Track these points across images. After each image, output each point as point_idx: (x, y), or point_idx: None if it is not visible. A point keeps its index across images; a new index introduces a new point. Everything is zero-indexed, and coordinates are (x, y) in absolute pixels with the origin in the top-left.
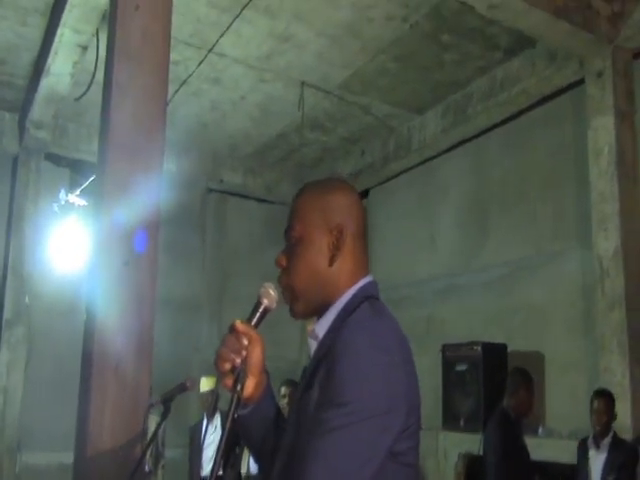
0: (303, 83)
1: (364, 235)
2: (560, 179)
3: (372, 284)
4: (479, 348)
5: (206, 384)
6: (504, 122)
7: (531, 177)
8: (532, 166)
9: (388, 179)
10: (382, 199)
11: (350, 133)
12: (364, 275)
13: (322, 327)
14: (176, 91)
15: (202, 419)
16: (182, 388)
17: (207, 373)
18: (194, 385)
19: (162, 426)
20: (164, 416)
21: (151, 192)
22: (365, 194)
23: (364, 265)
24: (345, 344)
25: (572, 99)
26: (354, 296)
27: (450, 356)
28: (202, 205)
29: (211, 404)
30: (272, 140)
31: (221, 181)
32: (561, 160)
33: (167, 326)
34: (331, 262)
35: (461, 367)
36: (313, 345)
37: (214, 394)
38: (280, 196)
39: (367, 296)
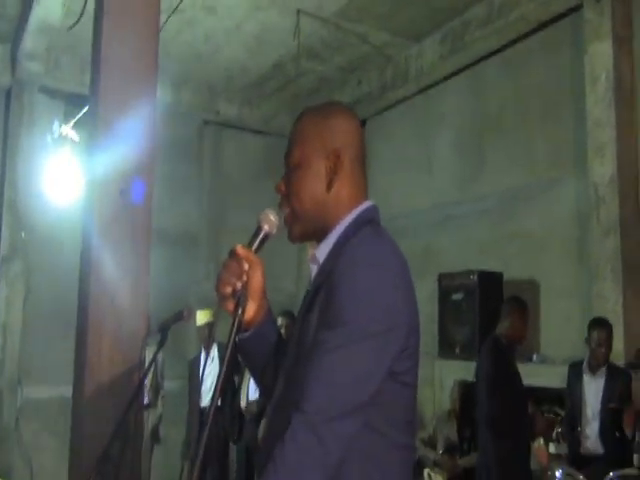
0: (299, 11)
1: (364, 160)
2: (557, 106)
3: (373, 208)
4: (475, 277)
5: (202, 317)
6: (502, 49)
7: (528, 104)
8: (529, 93)
9: (385, 109)
10: (379, 129)
11: (347, 62)
12: (363, 200)
13: (323, 252)
14: (168, 17)
15: (200, 353)
16: (179, 317)
17: (205, 307)
18: (191, 315)
19: (160, 355)
20: (161, 344)
21: (146, 123)
22: (362, 124)
23: (363, 190)
24: (345, 266)
25: (570, 25)
26: (355, 220)
27: (446, 285)
28: (199, 137)
29: (208, 336)
30: (268, 71)
31: (217, 113)
32: (558, 87)
33: (164, 259)
34: (329, 187)
35: (457, 296)
36: (314, 270)
37: (210, 326)
38: (277, 128)
39: (368, 220)
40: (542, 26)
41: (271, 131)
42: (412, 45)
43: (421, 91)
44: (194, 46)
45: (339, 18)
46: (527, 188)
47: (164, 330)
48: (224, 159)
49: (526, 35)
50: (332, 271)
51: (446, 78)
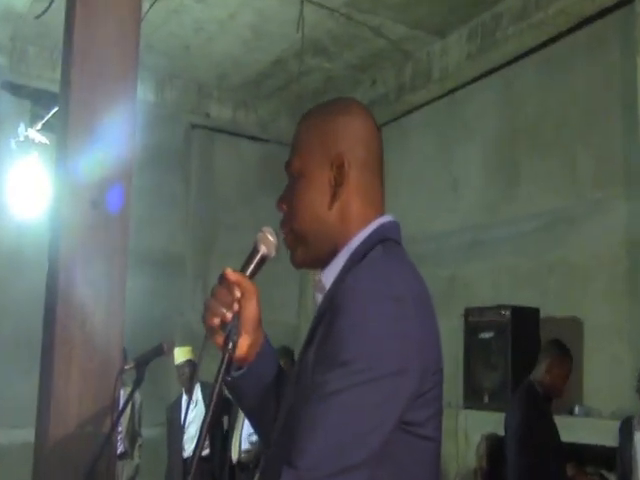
0: None
1: (380, 167)
2: (604, 115)
3: (390, 225)
4: (507, 313)
5: (181, 355)
6: (539, 48)
7: (570, 112)
8: (571, 99)
9: (404, 114)
10: (396, 138)
11: (359, 59)
12: (379, 214)
13: (329, 277)
14: (152, 5)
15: (180, 396)
16: (158, 351)
17: (188, 341)
18: (172, 349)
19: (137, 396)
20: (137, 383)
21: (124, 125)
22: None
23: (378, 203)
24: (348, 293)
25: (620, 20)
26: (367, 239)
27: (473, 322)
28: (185, 144)
29: (188, 376)
30: (267, 68)
31: (207, 116)
32: (606, 92)
33: (144, 286)
34: (332, 201)
35: (486, 334)
36: (319, 299)
37: (191, 365)
38: (277, 134)
39: (382, 238)
40: (587, 21)
41: (270, 137)
42: (435, 41)
43: (445, 94)
44: (181, 38)
45: (349, 8)
46: (569, 210)
47: (141, 366)
48: (215, 170)
49: (568, 32)
50: (334, 296)
51: (474, 80)
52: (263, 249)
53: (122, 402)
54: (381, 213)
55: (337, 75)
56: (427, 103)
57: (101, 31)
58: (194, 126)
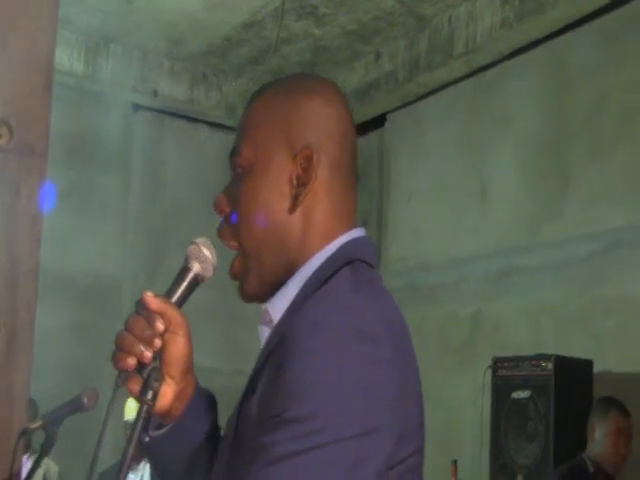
0: None
1: (355, 171)
2: None
3: (361, 242)
4: (550, 365)
5: (134, 410)
6: (600, 13)
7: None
8: None
9: (417, 99)
10: (405, 130)
11: (359, 25)
12: (348, 228)
13: (278, 306)
14: None
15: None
16: (76, 405)
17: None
18: (95, 400)
19: (50, 466)
20: (44, 449)
21: (37, 103)
22: (380, 121)
23: (349, 215)
24: (304, 329)
25: None
26: (331, 259)
27: (504, 376)
28: (125, 131)
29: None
30: (235, 31)
31: (155, 94)
32: None
33: (64, 320)
34: (293, 205)
35: (521, 393)
36: (265, 334)
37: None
38: None
39: (351, 260)
40: None
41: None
42: (460, 2)
43: (472, 74)
44: None
45: None
46: (634, 231)
47: (52, 425)
48: (164, 165)
49: None
50: (284, 337)
51: (511, 55)
52: (196, 267)
53: (25, 473)
54: (351, 226)
55: (329, 45)
56: (448, 85)
57: None
58: (137, 107)
